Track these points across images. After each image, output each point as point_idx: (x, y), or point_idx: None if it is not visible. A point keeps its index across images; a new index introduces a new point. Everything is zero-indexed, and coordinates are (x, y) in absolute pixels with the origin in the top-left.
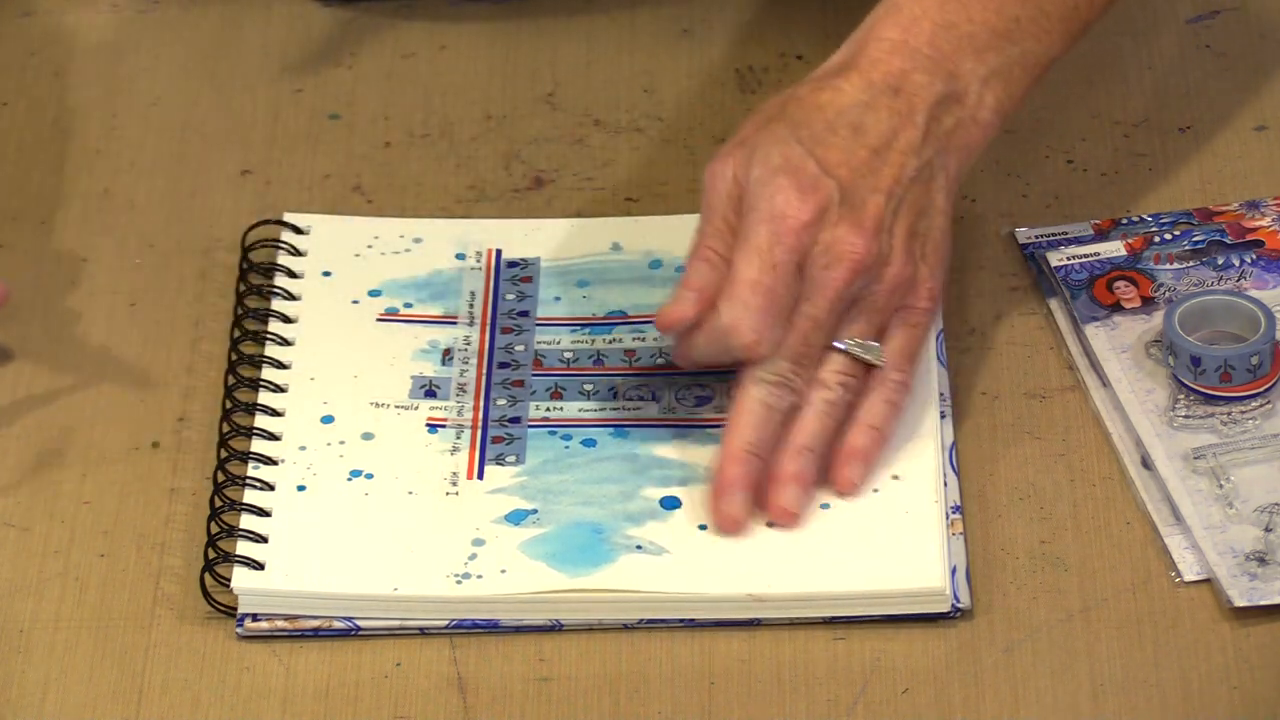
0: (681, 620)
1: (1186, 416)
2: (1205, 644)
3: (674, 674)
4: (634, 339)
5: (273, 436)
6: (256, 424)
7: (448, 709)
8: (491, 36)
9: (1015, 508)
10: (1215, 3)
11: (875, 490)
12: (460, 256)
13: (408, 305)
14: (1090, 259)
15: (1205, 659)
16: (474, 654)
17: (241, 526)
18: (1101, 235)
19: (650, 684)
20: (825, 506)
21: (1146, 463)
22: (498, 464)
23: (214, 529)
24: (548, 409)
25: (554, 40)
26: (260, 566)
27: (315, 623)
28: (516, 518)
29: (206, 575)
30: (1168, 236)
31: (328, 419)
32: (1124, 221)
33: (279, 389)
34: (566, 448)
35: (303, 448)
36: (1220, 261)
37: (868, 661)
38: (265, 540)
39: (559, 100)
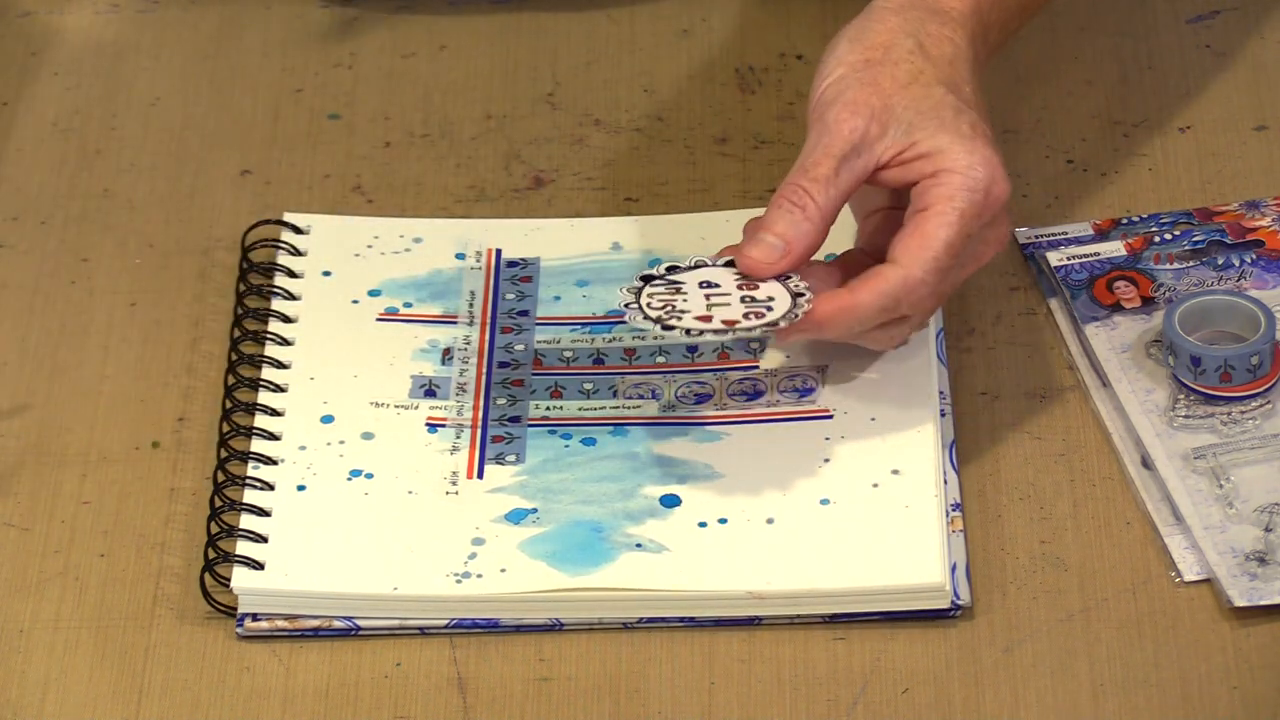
0: (681, 619)
1: (1186, 416)
2: (1205, 644)
3: (674, 674)
4: (634, 338)
5: (272, 436)
6: (256, 424)
7: (448, 709)
8: (491, 36)
9: (1015, 507)
10: (1215, 3)
11: (875, 485)
12: (460, 256)
13: (407, 305)
14: (1090, 259)
15: (1205, 659)
16: (474, 654)
17: (241, 526)
18: (1101, 235)
19: (650, 684)
20: (825, 502)
21: (1146, 463)
22: (497, 463)
23: (214, 529)
24: (547, 408)
25: (554, 40)
26: (260, 566)
27: (315, 622)
28: (516, 517)
29: (206, 575)
30: (1168, 236)
31: (328, 419)
32: (1124, 221)
33: (279, 389)
34: (566, 446)
35: (303, 447)
36: (1220, 261)
37: (868, 661)
38: (265, 540)
39: (559, 100)
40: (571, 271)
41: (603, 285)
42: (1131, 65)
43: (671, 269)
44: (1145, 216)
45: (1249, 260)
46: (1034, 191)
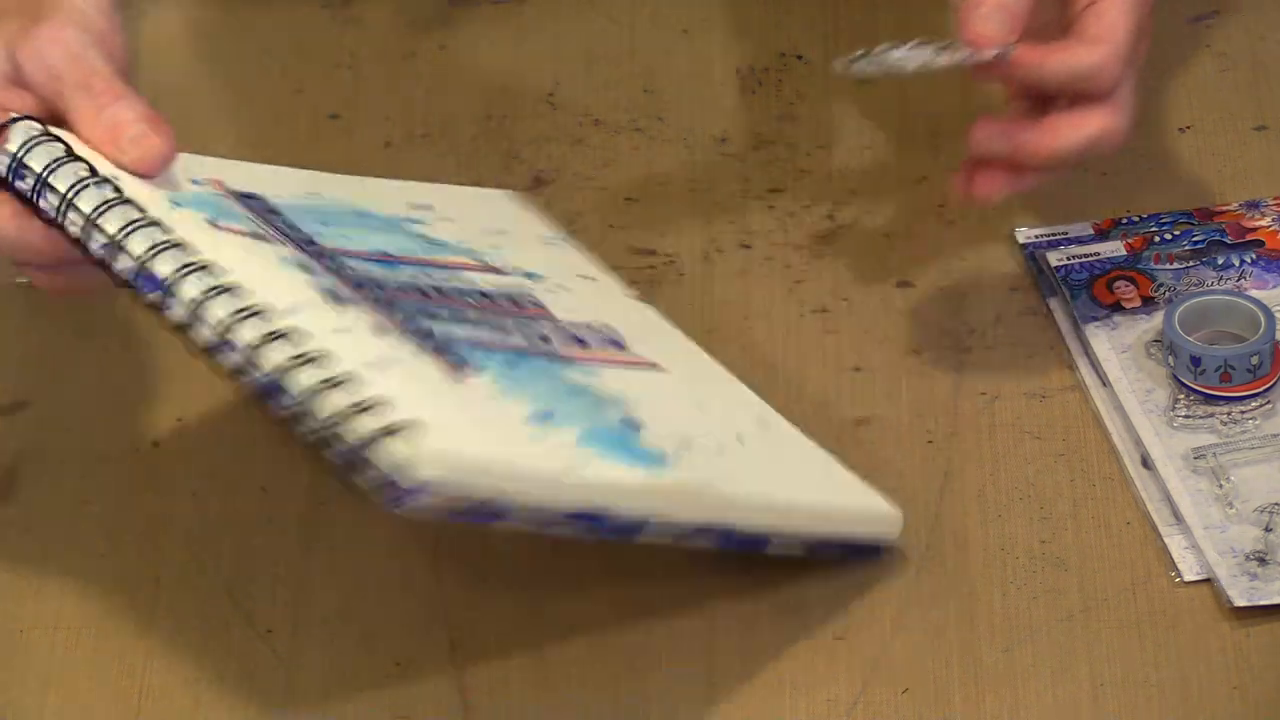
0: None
1: (1186, 416)
2: (1205, 644)
3: (674, 674)
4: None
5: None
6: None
7: (448, 709)
8: (491, 36)
9: (1015, 508)
10: (1215, 3)
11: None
12: (196, 182)
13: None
14: (1090, 259)
15: (1205, 659)
16: (474, 654)
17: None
18: (1101, 235)
19: (650, 684)
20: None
21: (1146, 463)
22: (457, 370)
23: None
24: (455, 329)
25: (554, 40)
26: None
27: (483, 498)
28: (540, 419)
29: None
30: (1168, 236)
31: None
32: (1124, 221)
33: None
34: (511, 367)
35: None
36: (1220, 261)
37: (868, 661)
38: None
39: (559, 100)
40: (308, 211)
41: (345, 226)
42: None
43: (864, 53)
44: (1145, 216)
45: (1249, 260)
46: (1034, 191)
